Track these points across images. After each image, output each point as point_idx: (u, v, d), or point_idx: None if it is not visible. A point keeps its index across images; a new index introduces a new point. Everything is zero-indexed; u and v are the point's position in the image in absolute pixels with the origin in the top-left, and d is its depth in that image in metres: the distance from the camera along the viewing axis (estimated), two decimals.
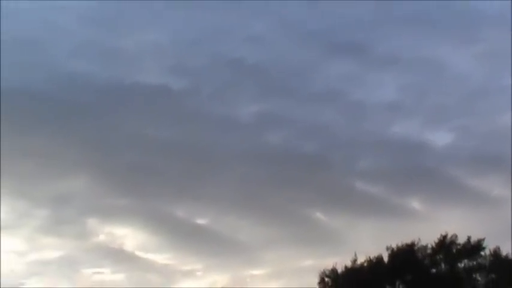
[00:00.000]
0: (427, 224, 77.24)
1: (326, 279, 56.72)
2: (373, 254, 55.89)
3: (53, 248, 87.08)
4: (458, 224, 67.80)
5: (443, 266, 55.41)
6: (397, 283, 55.02)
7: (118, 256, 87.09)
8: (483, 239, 55.25)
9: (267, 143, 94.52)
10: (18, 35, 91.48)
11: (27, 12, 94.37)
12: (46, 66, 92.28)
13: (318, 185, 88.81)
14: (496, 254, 54.77)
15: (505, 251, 54.79)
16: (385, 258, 55.63)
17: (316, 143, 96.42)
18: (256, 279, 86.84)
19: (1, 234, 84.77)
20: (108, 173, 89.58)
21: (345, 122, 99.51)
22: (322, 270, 56.88)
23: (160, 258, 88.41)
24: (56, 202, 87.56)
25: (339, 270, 56.52)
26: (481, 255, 55.04)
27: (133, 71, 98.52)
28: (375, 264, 55.46)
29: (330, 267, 56.82)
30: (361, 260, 56.05)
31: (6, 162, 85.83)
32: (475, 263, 55.03)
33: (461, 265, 55.22)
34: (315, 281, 56.72)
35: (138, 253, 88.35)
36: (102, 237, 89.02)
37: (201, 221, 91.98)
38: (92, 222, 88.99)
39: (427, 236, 56.15)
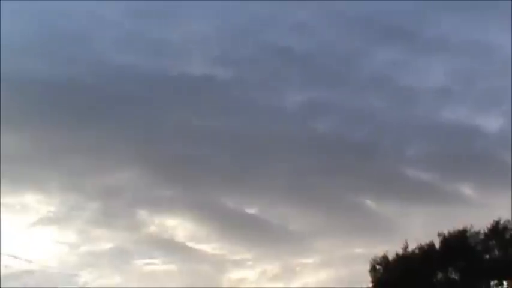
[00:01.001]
0: (479, 210, 76.10)
1: (377, 266, 56.25)
2: (424, 241, 55.22)
3: (104, 240, 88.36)
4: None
5: (496, 252, 54.32)
6: (450, 270, 54.24)
7: (169, 247, 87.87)
8: None
9: (315, 131, 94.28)
10: (66, 29, 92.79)
11: (73, 7, 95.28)
12: (93, 59, 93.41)
13: (368, 172, 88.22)
14: None
15: None
16: (437, 245, 54.87)
17: (365, 130, 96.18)
18: (306, 267, 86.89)
19: (53, 227, 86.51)
20: (157, 164, 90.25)
21: (394, 108, 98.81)
22: (373, 257, 56.45)
23: (211, 248, 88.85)
24: (107, 195, 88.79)
25: (390, 258, 56.00)
26: None
27: (179, 62, 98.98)
28: (427, 251, 54.75)
29: (381, 254, 56.39)
30: (412, 247, 55.49)
31: (57, 157, 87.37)
32: None
33: None
34: (365, 268, 56.37)
35: (189, 243, 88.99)
36: (152, 229, 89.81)
37: (250, 211, 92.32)
38: (142, 214, 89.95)
39: (479, 222, 55.19)
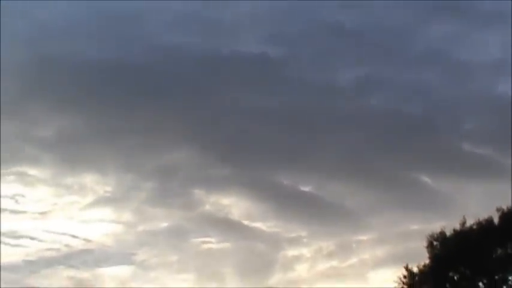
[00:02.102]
0: None
1: (434, 243, 55.56)
2: (482, 216, 54.30)
3: (160, 219, 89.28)
4: None
5: None
6: (509, 245, 53.44)
7: (224, 225, 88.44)
8: None
9: (369, 107, 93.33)
10: (118, 10, 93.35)
11: None
12: (145, 40, 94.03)
13: (423, 147, 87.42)
14: None
15: None
16: (496, 221, 54.00)
17: (420, 105, 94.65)
18: (362, 244, 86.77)
19: (110, 207, 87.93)
20: (211, 143, 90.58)
21: (449, 82, 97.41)
22: (430, 234, 55.80)
23: (266, 226, 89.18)
24: (162, 174, 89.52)
25: (448, 234, 55.24)
26: None
27: (231, 41, 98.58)
28: (485, 226, 53.89)
29: (438, 230, 55.72)
30: (470, 222, 54.60)
31: (113, 138, 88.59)
32: None
33: None
34: (422, 245, 55.71)
35: (244, 222, 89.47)
36: (208, 207, 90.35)
37: (305, 188, 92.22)
38: (197, 193, 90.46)
39: None
